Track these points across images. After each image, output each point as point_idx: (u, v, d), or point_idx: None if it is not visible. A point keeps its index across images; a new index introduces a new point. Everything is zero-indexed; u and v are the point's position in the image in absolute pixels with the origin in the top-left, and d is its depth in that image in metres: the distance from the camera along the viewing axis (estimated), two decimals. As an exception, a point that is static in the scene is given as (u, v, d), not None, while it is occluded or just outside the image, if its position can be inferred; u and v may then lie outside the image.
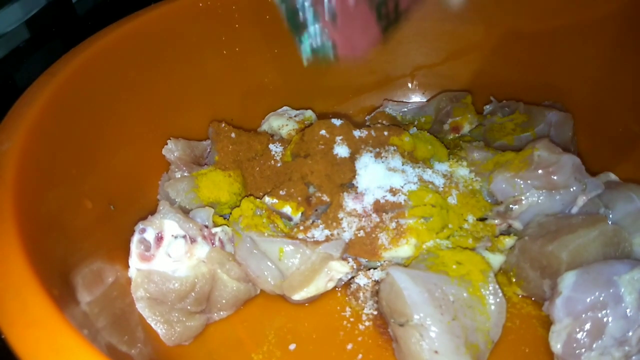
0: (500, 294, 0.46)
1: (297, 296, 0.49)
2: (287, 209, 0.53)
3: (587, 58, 0.64)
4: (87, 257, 0.45)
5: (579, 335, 0.43)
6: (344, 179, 0.54)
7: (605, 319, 0.42)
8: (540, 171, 0.53)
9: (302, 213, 0.54)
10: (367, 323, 0.51)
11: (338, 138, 0.56)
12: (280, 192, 0.54)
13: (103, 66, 0.53)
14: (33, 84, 0.47)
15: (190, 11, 0.61)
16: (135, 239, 0.49)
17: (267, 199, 0.54)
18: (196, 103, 0.64)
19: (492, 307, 0.45)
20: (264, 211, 0.53)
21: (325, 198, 0.54)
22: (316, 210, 0.54)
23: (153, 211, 0.51)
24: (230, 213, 0.55)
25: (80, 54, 0.51)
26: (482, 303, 0.45)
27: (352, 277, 0.53)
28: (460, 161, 0.60)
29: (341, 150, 0.55)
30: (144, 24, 0.57)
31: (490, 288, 0.46)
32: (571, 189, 0.52)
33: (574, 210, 0.53)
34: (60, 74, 0.48)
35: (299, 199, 0.54)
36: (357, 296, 0.53)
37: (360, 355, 0.48)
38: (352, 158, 0.56)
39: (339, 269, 0.50)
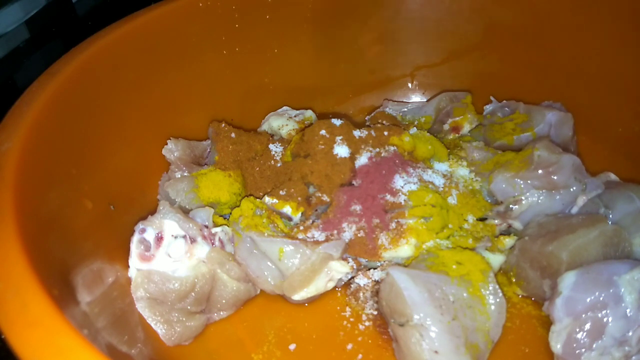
0: (500, 294, 0.46)
1: (297, 296, 0.49)
2: (287, 209, 0.53)
3: (587, 58, 0.64)
4: (87, 257, 0.45)
5: (579, 335, 0.43)
6: (344, 179, 0.54)
7: (605, 319, 0.42)
8: (540, 171, 0.53)
9: (302, 213, 0.54)
10: (367, 323, 0.51)
11: (338, 138, 0.56)
12: (280, 192, 0.54)
13: (103, 66, 0.53)
14: (33, 84, 0.47)
15: (190, 11, 0.61)
16: (135, 239, 0.49)
17: (267, 199, 0.54)
18: (196, 103, 0.64)
19: (492, 307, 0.45)
20: (264, 211, 0.53)
21: (325, 198, 0.54)
22: (316, 210, 0.54)
23: (153, 211, 0.51)
24: (230, 213, 0.54)
25: (80, 54, 0.51)
26: (482, 303, 0.45)
27: (352, 277, 0.53)
28: (460, 161, 0.60)
29: (341, 150, 0.55)
30: (144, 24, 0.57)
31: (490, 288, 0.46)
32: (571, 189, 0.52)
33: (574, 210, 0.53)
34: (60, 74, 0.48)
35: (299, 199, 0.54)
36: (357, 296, 0.53)
37: (360, 355, 0.48)
38: (352, 158, 0.56)
39: (339, 269, 0.50)
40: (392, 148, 0.57)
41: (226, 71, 0.66)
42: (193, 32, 0.62)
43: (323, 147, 0.55)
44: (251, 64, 0.68)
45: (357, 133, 0.57)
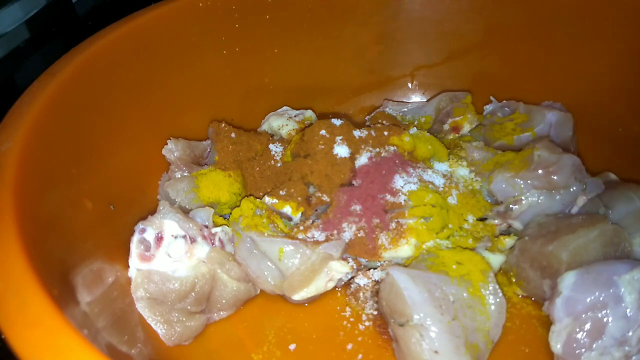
0: (500, 294, 0.46)
1: (297, 296, 0.49)
2: (287, 209, 0.53)
3: (587, 58, 0.64)
4: (87, 257, 0.45)
5: (579, 335, 0.43)
6: (344, 179, 0.54)
7: (605, 319, 0.42)
8: (540, 171, 0.53)
9: (302, 213, 0.54)
10: (367, 323, 0.51)
11: (338, 138, 0.56)
12: (280, 192, 0.54)
13: (103, 66, 0.53)
14: (33, 84, 0.47)
15: (190, 11, 0.61)
16: (135, 239, 0.49)
17: (267, 199, 0.54)
18: (196, 103, 0.64)
19: (492, 307, 0.45)
20: (264, 211, 0.53)
21: (325, 198, 0.54)
22: (316, 210, 0.54)
23: (153, 211, 0.51)
24: (230, 213, 0.55)
25: (80, 54, 0.51)
26: (482, 303, 0.45)
27: (352, 277, 0.53)
28: (460, 161, 0.60)
29: (341, 150, 0.55)
30: (144, 24, 0.57)
31: (490, 288, 0.46)
32: (571, 189, 0.52)
33: (574, 210, 0.53)
34: (60, 74, 0.48)
35: (299, 199, 0.54)
36: (357, 296, 0.53)
37: (360, 355, 0.48)
38: (352, 158, 0.56)
39: (339, 269, 0.50)
40: (392, 148, 0.57)
41: (226, 71, 0.66)
42: (193, 32, 0.62)
43: (323, 147, 0.55)
44: (251, 64, 0.68)
45: (357, 133, 0.57)
